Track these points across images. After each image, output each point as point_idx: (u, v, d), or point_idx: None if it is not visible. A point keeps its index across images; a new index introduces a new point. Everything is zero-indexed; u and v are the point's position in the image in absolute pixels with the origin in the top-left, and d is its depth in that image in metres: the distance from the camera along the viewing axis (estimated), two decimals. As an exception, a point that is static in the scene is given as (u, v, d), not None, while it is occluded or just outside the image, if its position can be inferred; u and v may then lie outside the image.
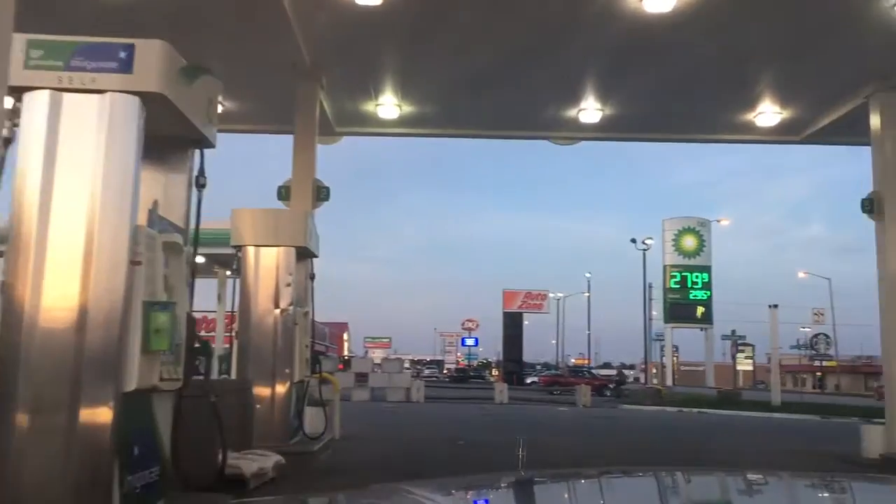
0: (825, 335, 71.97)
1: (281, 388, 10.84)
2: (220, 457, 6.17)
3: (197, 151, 6.32)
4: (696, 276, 49.75)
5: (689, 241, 49.50)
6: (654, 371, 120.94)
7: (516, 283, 69.73)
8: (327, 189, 13.36)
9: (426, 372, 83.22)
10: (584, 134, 15.95)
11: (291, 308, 11.10)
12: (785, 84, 13.71)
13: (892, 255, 12.62)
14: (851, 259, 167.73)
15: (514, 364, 56.11)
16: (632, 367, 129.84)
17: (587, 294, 75.04)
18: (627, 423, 21.75)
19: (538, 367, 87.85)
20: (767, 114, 14.53)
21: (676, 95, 14.25)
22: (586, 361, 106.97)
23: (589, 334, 68.51)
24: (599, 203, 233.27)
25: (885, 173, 12.91)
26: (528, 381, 55.35)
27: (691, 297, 49.83)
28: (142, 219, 5.47)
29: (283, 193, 13.25)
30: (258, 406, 10.45)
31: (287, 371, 10.91)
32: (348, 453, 11.77)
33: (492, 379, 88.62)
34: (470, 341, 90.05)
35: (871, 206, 13.01)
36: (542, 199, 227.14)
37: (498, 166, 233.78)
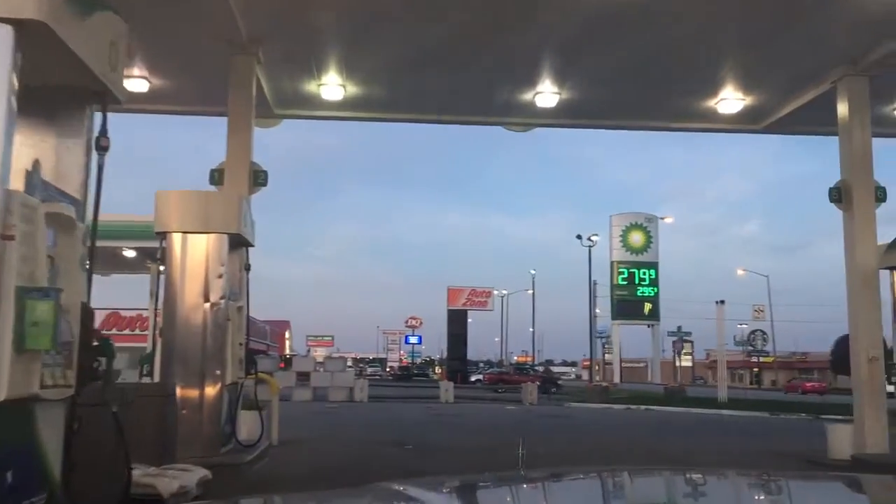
0: (762, 332, 72.87)
1: (211, 392, 9.66)
2: (124, 477, 5.03)
3: (98, 107, 5.17)
4: (644, 273, 49.21)
5: (637, 238, 48.92)
6: (597, 368, 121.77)
7: (461, 281, 69.15)
8: (265, 173, 12.18)
9: (369, 370, 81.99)
10: (540, 120, 15.04)
11: (223, 302, 9.92)
12: (749, 68, 13.01)
13: (860, 246, 12.02)
14: (785, 258, 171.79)
15: (458, 362, 55.21)
16: (573, 364, 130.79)
17: (531, 291, 74.51)
18: (580, 423, 20.98)
19: (481, 365, 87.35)
20: (730, 100, 13.83)
21: (637, 79, 13.45)
22: (529, 359, 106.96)
23: (533, 332, 67.89)
24: (542, 201, 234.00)
25: (852, 162, 12.31)
26: (473, 378, 54.57)
27: (639, 293, 49.27)
28: (17, 183, 4.30)
29: (217, 177, 12.02)
30: (184, 412, 9.25)
31: (218, 372, 9.73)
32: (286, 462, 10.63)
33: (435, 377, 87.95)
34: (413, 339, 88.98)
35: (838, 195, 12.40)
36: (486, 196, 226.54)
37: (441, 164, 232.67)
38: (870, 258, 11.95)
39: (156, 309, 10.30)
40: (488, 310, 58.28)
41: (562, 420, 21.95)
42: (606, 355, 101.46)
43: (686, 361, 79.64)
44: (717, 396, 28.81)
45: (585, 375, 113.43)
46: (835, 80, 12.54)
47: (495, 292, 60.57)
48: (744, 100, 13.84)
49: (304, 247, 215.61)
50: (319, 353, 79.65)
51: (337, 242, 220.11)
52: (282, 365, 40.05)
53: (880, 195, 12.27)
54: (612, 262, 48.66)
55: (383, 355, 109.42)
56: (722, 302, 28.44)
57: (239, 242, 10.49)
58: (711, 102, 13.99)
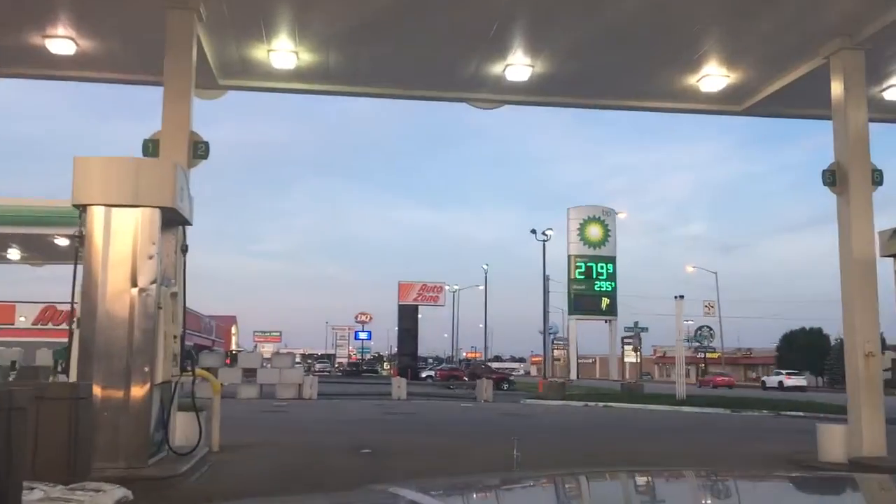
0: (709, 327, 73.22)
1: (138, 392, 8.19)
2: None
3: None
4: (602, 267, 47.53)
5: (595, 231, 47.34)
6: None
7: (413, 276, 66.72)
8: (206, 144, 10.67)
9: (318, 366, 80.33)
10: (509, 97, 13.77)
11: (154, 287, 8.44)
12: (735, 40, 11.95)
13: (856, 232, 11.04)
14: (728, 256, 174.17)
15: (408, 358, 53.81)
16: (521, 360, 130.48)
17: (482, 287, 73.35)
18: (544, 422, 19.79)
19: (430, 361, 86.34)
20: (713, 77, 12.77)
21: (616, 51, 12.29)
22: (478, 355, 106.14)
23: (485, 327, 66.51)
24: (494, 198, 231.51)
25: (848, 142, 11.33)
26: (424, 375, 53.29)
27: (597, 288, 47.51)
28: None
29: (151, 148, 10.47)
30: (105, 415, 7.77)
31: (147, 369, 8.26)
32: (228, 472, 9.18)
33: (384, 373, 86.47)
34: (363, 335, 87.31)
35: (832, 178, 11.41)
36: (439, 192, 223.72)
37: (393, 159, 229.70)
38: (867, 245, 10.99)
39: (73, 296, 8.72)
40: (439, 305, 56.96)
41: (524, 419, 20.78)
42: (556, 351, 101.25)
43: (632, 357, 79.64)
44: (676, 393, 27.98)
45: (534, 371, 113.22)
46: (828, 54, 11.55)
47: (447, 287, 59.27)
48: (728, 76, 12.79)
49: (252, 242, 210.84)
50: (267, 349, 77.61)
51: (286, 237, 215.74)
52: (227, 361, 38.45)
53: (877, 178, 11.31)
54: (569, 256, 46.94)
55: (332, 351, 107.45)
56: (681, 297, 27.62)
57: (174, 219, 9.01)
58: (693, 79, 12.92)
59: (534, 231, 41.45)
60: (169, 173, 8.57)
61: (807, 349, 64.10)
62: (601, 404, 27.66)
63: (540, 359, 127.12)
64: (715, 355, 74.89)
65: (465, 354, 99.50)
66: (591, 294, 47.40)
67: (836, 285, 11.24)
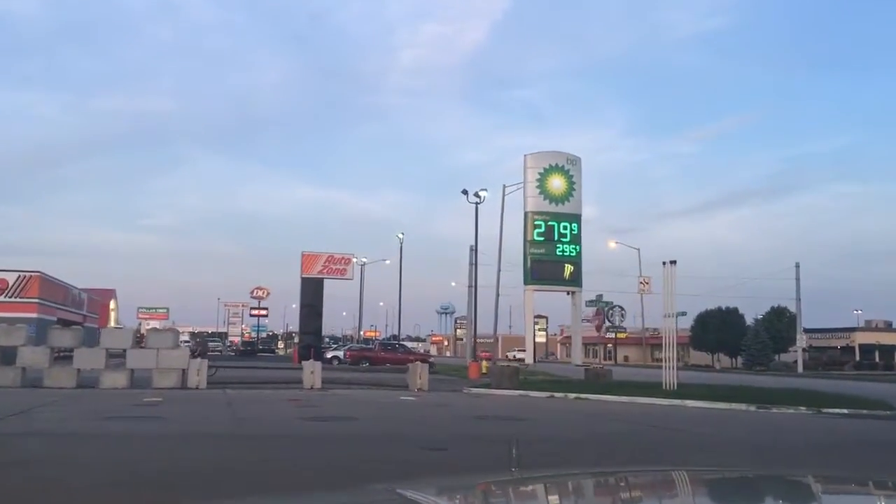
0: (620, 307, 68.50)
1: None
2: None
3: None
4: (565, 227, 38.35)
5: (557, 183, 38.37)
6: (447, 344, 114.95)
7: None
8: None
9: (208, 346, 70.89)
10: None
11: None
12: None
13: None
14: (619, 239, 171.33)
15: (312, 337, 45.68)
16: (419, 339, 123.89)
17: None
18: (558, 434, 12.60)
19: (327, 340, 78.31)
20: None
21: None
22: (377, 334, 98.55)
23: (399, 300, 58.40)
24: (392, 180, 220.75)
25: None
26: (329, 355, 45.37)
27: (559, 252, 38.61)
28: None
29: None
30: None
31: None
32: None
33: (280, 352, 77.64)
34: (262, 311, 77.92)
35: None
36: (337, 172, 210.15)
37: (289, 136, 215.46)
38: None
39: None
40: (347, 278, 48.76)
41: (518, 426, 13.58)
42: (458, 331, 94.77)
43: (540, 336, 74.21)
44: (662, 382, 21.45)
45: (434, 351, 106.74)
46: None
47: (354, 259, 51.24)
48: None
49: (139, 216, 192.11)
50: (152, 327, 67.58)
51: (178, 213, 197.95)
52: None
53: None
54: (526, 213, 38.01)
55: (224, 329, 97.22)
56: (673, 262, 21.24)
57: None
58: None
59: (465, 192, 34.00)
60: None
61: (721, 329, 60.07)
62: (571, 395, 20.88)
63: (441, 338, 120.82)
64: (623, 335, 70.24)
65: (363, 333, 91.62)
66: (552, 260, 38.26)
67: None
